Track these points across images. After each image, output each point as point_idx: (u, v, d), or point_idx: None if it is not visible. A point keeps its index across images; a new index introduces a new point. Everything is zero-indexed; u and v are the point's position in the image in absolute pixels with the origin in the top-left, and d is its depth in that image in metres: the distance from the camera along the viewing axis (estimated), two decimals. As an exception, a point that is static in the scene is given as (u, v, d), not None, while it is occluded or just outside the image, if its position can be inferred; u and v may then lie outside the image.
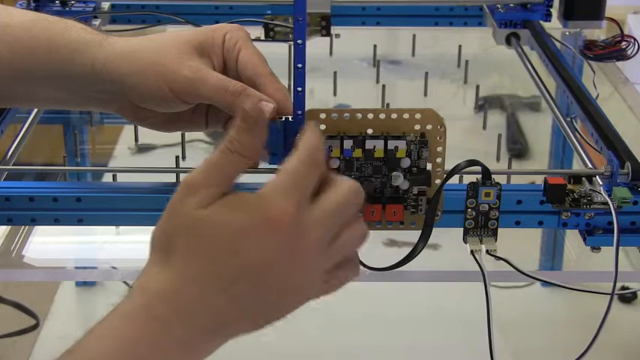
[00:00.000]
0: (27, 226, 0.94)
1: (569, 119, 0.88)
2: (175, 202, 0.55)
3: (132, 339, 0.52)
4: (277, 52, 0.98)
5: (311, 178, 0.56)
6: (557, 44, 1.04)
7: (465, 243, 0.69)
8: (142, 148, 1.35)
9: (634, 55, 1.00)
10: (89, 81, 0.67)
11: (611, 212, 0.68)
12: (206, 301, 0.54)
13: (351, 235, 0.57)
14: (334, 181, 0.57)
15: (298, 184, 0.55)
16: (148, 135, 1.29)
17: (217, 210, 0.54)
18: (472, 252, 0.68)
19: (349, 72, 1.35)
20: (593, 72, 1.00)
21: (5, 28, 0.68)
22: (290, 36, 1.07)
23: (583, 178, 0.73)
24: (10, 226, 0.93)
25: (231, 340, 0.56)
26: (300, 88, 0.60)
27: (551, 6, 1.07)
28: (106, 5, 1.10)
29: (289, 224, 0.54)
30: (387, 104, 1.24)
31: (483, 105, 1.34)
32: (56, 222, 0.71)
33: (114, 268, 0.91)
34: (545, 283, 1.20)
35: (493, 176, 0.67)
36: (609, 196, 0.70)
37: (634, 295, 1.27)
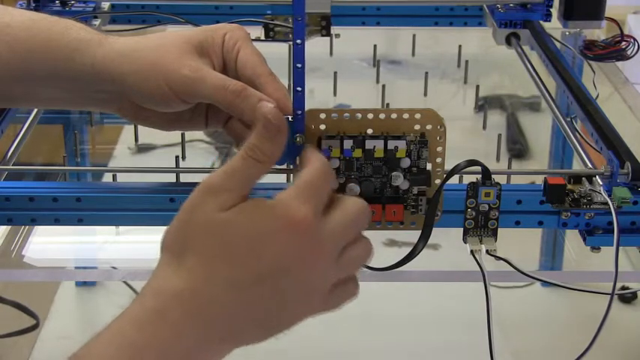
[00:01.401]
0: (27, 226, 0.94)
1: (569, 119, 0.88)
2: (194, 204, 0.54)
3: (141, 345, 0.52)
4: (277, 52, 0.98)
5: (325, 189, 0.57)
6: (557, 44, 1.04)
7: (465, 243, 0.69)
8: (142, 148, 1.35)
9: (634, 55, 1.00)
10: (89, 81, 0.67)
11: (611, 212, 0.68)
12: (221, 306, 0.53)
13: (357, 251, 0.58)
14: (342, 198, 0.58)
15: (315, 192, 0.56)
16: (148, 135, 1.29)
17: (238, 213, 0.54)
18: (472, 252, 0.68)
19: (349, 72, 1.35)
20: (593, 72, 1.00)
21: (5, 28, 0.68)
22: (290, 36, 1.07)
23: (583, 178, 0.73)
24: (10, 226, 0.93)
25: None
26: (299, 88, 0.60)
27: (551, 6, 1.07)
28: (106, 5, 1.10)
29: (309, 229, 0.54)
30: (387, 104, 1.24)
31: (483, 105, 1.34)
32: (56, 222, 0.71)
33: (114, 268, 0.91)
34: (545, 283, 1.20)
35: (493, 176, 0.67)
36: (609, 196, 0.70)
37: (634, 295, 1.27)
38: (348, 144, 0.63)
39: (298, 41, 0.59)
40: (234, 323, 0.54)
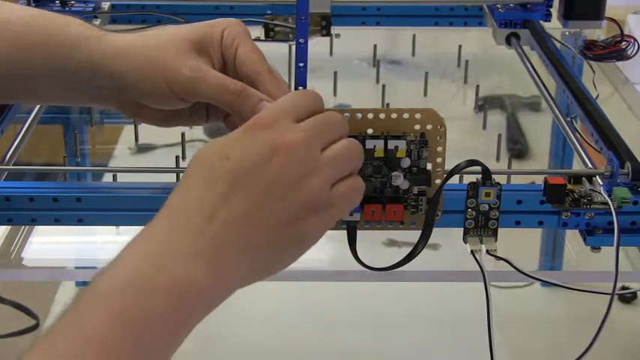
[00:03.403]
0: (27, 226, 0.94)
1: (569, 119, 0.88)
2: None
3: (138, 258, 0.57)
4: (277, 52, 0.98)
5: (297, 101, 0.58)
6: (557, 44, 1.04)
7: (465, 243, 0.69)
8: (142, 148, 1.35)
9: (634, 55, 1.00)
10: (88, 77, 0.67)
11: (611, 212, 0.69)
12: (206, 211, 0.54)
13: (343, 145, 0.57)
14: None
15: (280, 103, 0.57)
16: (147, 135, 1.29)
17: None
18: (472, 252, 0.68)
19: (349, 72, 1.35)
20: (593, 72, 1.00)
21: (5, 23, 0.68)
22: (290, 36, 1.07)
23: (583, 178, 0.73)
24: (10, 226, 0.93)
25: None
26: (301, 87, 0.60)
27: (551, 6, 1.07)
28: (106, 5, 1.10)
29: (266, 125, 0.55)
30: (387, 104, 1.24)
31: (483, 105, 1.34)
32: (56, 222, 0.71)
33: (114, 268, 0.91)
34: (545, 283, 1.20)
35: (493, 176, 0.67)
36: (609, 196, 0.70)
37: (634, 295, 1.27)
38: (348, 144, 0.63)
39: (301, 40, 0.59)
40: (230, 226, 0.54)
